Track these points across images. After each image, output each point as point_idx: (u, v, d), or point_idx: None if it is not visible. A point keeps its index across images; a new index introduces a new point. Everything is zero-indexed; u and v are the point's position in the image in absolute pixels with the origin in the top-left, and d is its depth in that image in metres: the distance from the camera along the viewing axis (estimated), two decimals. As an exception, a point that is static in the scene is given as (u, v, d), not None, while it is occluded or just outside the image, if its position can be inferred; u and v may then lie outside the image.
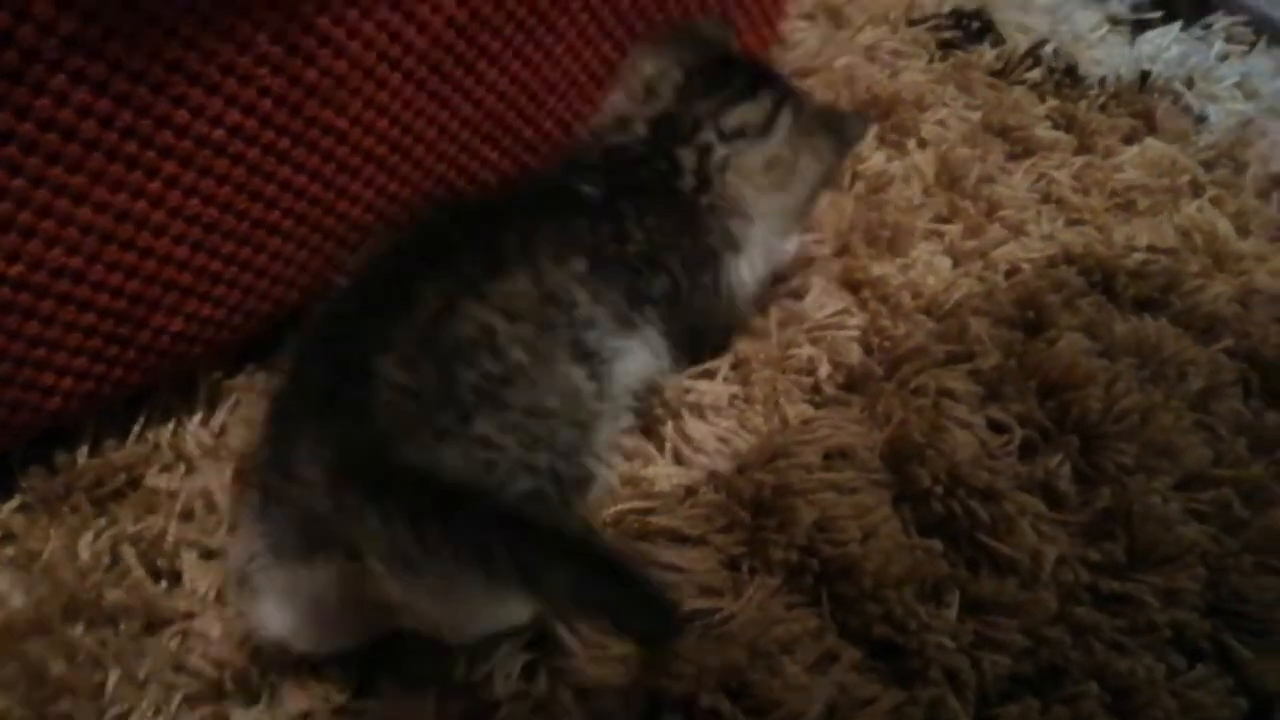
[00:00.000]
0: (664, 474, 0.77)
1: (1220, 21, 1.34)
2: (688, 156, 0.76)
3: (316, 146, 0.67)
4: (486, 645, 0.65)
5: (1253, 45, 1.33)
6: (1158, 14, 1.34)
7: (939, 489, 0.76)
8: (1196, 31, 1.33)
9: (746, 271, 0.80)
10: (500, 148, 0.80)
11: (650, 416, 0.80)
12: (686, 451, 0.79)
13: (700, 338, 0.82)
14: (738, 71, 0.80)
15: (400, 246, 0.69)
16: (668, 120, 0.77)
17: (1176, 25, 1.31)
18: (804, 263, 0.93)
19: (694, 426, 0.80)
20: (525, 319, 0.66)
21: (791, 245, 0.88)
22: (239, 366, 0.79)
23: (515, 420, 0.62)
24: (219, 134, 0.62)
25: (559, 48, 0.78)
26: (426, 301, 0.63)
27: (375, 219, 0.74)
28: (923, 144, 1.09)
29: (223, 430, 0.77)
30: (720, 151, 0.77)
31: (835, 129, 0.81)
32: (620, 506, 0.73)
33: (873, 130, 1.06)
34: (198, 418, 0.77)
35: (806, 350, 0.86)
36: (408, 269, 0.65)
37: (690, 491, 0.76)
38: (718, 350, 0.85)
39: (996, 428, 0.82)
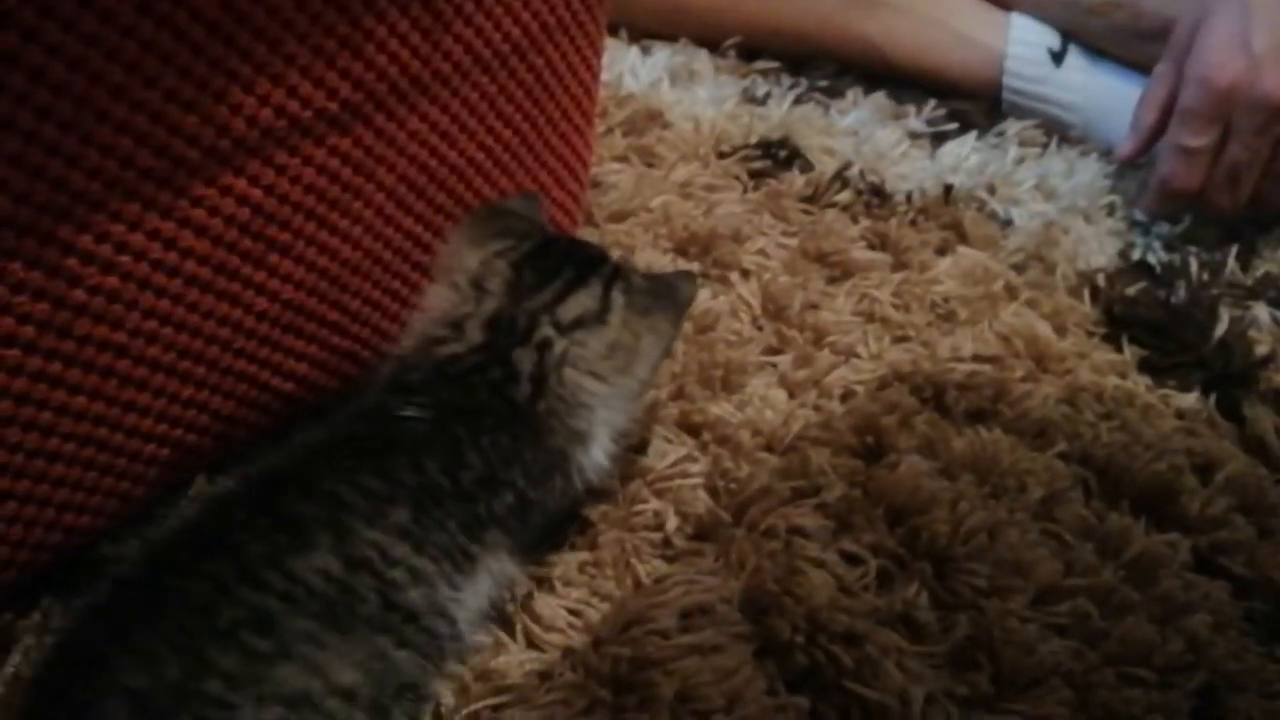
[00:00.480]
0: (516, 661, 0.72)
1: (1012, 128, 1.41)
2: (525, 359, 0.71)
3: (93, 365, 0.62)
4: None
5: (1045, 147, 1.40)
6: (953, 125, 1.41)
7: (800, 638, 0.73)
8: (991, 139, 1.39)
9: (599, 456, 0.76)
10: (304, 335, 0.76)
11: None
12: (537, 631, 0.75)
13: (552, 527, 0.78)
14: (565, 257, 0.76)
15: (180, 532, 0.62)
16: (502, 320, 0.72)
17: (972, 135, 1.38)
18: (641, 412, 0.92)
19: (543, 603, 0.76)
20: (315, 597, 0.59)
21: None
22: (35, 603, 0.72)
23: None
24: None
25: (356, 229, 0.75)
26: (190, 593, 0.57)
27: (171, 428, 0.69)
28: (745, 275, 1.10)
29: (15, 679, 0.69)
30: (559, 346, 0.72)
31: (667, 298, 0.78)
32: (472, 707, 0.68)
33: (698, 284, 1.03)
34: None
35: (652, 504, 0.83)
36: (180, 559, 0.59)
37: (545, 676, 0.72)
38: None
39: (851, 560, 0.81)
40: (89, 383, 0.63)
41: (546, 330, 0.72)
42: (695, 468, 0.87)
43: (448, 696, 0.69)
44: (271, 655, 0.56)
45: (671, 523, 0.82)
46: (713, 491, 0.86)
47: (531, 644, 0.74)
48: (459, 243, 0.76)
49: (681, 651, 0.72)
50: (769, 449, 0.90)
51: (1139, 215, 1.29)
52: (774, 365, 1.00)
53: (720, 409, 0.93)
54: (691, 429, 0.92)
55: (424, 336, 0.73)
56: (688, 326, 1.01)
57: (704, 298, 1.05)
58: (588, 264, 0.76)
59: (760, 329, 1.04)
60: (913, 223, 1.20)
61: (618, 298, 0.74)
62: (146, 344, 0.65)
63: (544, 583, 0.77)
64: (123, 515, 0.72)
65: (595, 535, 0.81)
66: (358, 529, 0.62)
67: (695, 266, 1.09)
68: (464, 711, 0.68)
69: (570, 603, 0.76)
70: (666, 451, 0.89)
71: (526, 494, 0.71)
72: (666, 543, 0.82)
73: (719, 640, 0.74)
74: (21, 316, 0.57)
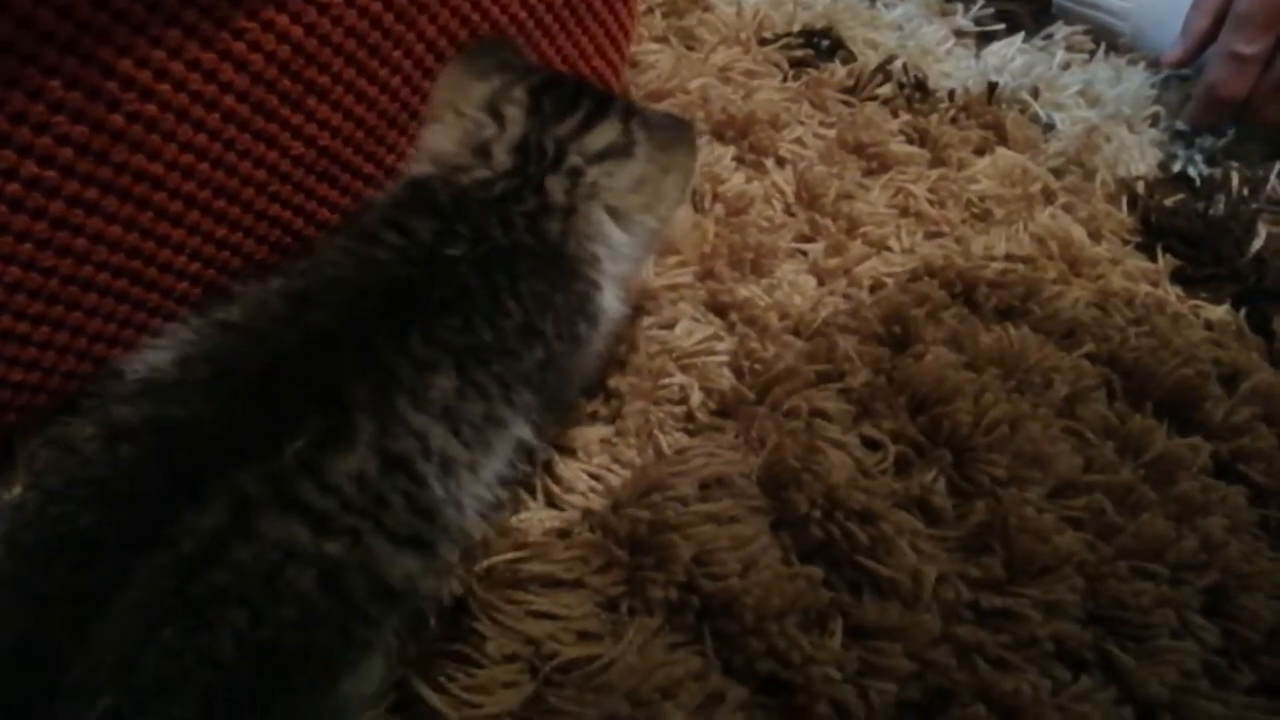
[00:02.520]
0: (536, 519, 0.73)
1: (1060, 31, 1.37)
2: (558, 187, 0.68)
3: (129, 194, 0.62)
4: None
5: (1092, 54, 1.37)
6: (1000, 26, 1.38)
7: (817, 513, 0.74)
8: (1038, 42, 1.36)
9: (614, 300, 0.73)
10: (339, 185, 0.76)
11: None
12: (558, 492, 0.76)
13: (570, 388, 0.76)
14: (578, 89, 0.73)
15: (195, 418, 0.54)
16: (530, 146, 0.69)
17: (1019, 37, 1.35)
18: (670, 290, 0.91)
19: (565, 466, 0.77)
20: (352, 510, 0.54)
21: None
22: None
23: None
24: (13, 188, 0.56)
25: (395, 79, 0.74)
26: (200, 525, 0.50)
27: (204, 267, 0.69)
28: (781, 162, 1.09)
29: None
30: (590, 176, 0.69)
31: (682, 135, 0.75)
32: (492, 559, 0.69)
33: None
34: None
35: (678, 379, 0.83)
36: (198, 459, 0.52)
37: (564, 534, 0.73)
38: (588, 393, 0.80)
39: (870, 445, 0.81)
40: (124, 212, 0.62)
41: (576, 159, 0.69)
42: (721, 346, 0.87)
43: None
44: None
45: (696, 397, 0.83)
46: (737, 371, 0.86)
47: (551, 504, 0.75)
48: (459, 75, 0.72)
49: (699, 518, 0.73)
50: (795, 333, 0.90)
51: (1182, 125, 1.27)
52: (804, 253, 0.99)
53: (749, 291, 0.92)
54: (719, 309, 0.91)
55: (444, 165, 0.69)
56: (719, 208, 1.01)
57: (738, 181, 1.04)
58: (602, 97, 0.74)
59: (793, 216, 1.03)
60: (953, 120, 1.18)
61: (639, 131, 0.72)
62: (183, 178, 0.64)
63: (566, 449, 0.78)
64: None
65: (620, 406, 0.81)
66: (402, 411, 0.57)
67: (731, 150, 1.07)
68: (483, 564, 0.69)
69: (592, 467, 0.77)
70: (693, 330, 0.88)
71: (553, 346, 0.67)
72: (689, 417, 0.82)
73: (736, 511, 0.75)
74: (60, 137, 0.57)
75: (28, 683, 0.48)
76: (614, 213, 0.70)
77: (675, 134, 0.74)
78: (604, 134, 0.71)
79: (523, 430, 0.66)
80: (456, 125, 0.70)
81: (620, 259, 0.72)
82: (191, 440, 0.53)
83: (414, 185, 0.69)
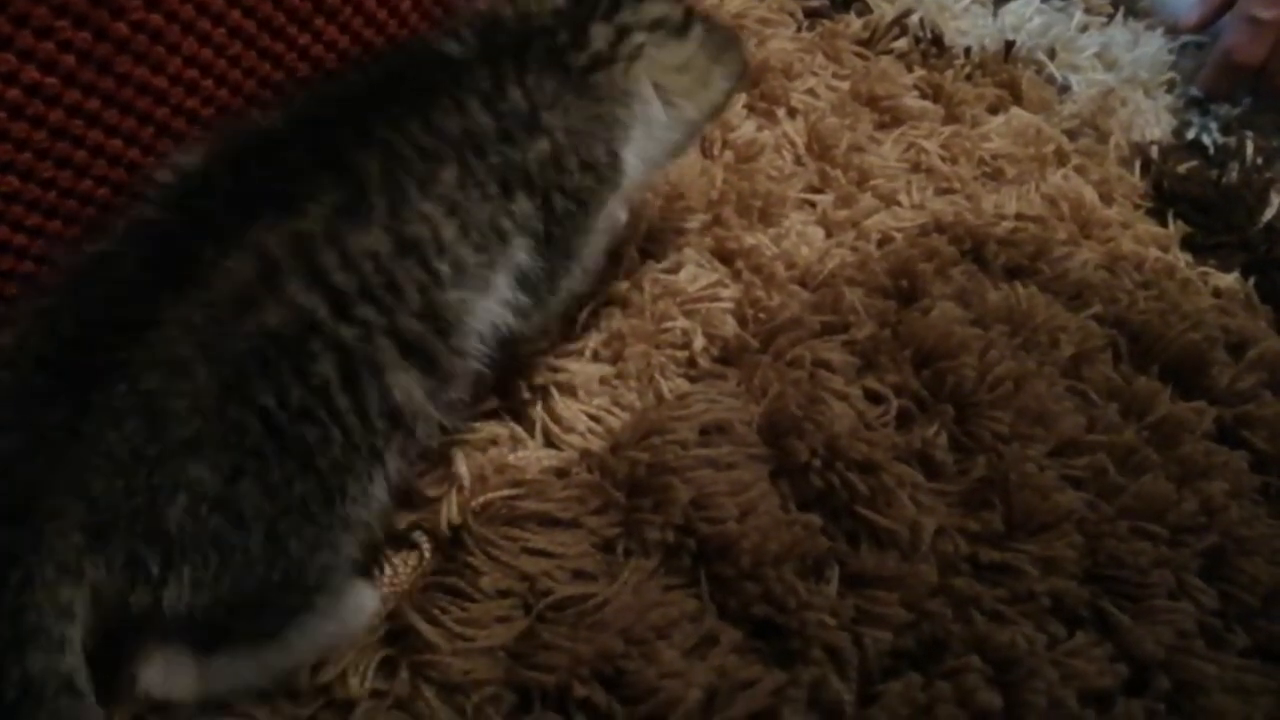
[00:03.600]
0: (534, 457, 0.73)
1: (1079, -7, 1.35)
2: (601, 35, 0.68)
3: (132, 108, 0.60)
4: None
5: (1111, 17, 1.35)
6: (1019, -15, 1.35)
7: (817, 462, 0.73)
8: (1057, 3, 1.34)
9: (634, 162, 0.71)
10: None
11: (518, 399, 0.76)
12: (557, 431, 0.75)
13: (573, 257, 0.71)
14: None
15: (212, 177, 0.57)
16: None
17: (1037, -3, 1.33)
18: (676, 235, 0.90)
19: (564, 406, 0.76)
20: (367, 297, 0.55)
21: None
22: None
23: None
24: (14, 93, 0.55)
25: (404, 4, 0.72)
26: (221, 282, 0.52)
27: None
28: (792, 113, 1.08)
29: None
30: (638, 38, 0.69)
31: (735, 46, 0.76)
32: (489, 495, 0.69)
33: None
34: None
35: (680, 323, 0.82)
36: (210, 220, 0.54)
37: (562, 473, 0.72)
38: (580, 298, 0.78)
39: (873, 398, 0.81)
40: (125, 126, 0.61)
41: (629, 16, 0.69)
42: (726, 293, 0.86)
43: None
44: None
45: (698, 342, 0.82)
46: (741, 319, 0.85)
47: (550, 443, 0.74)
48: None
49: (698, 462, 0.72)
50: (802, 283, 0.89)
51: (1197, 90, 1.26)
52: (813, 203, 0.98)
53: (756, 239, 0.91)
54: (725, 256, 0.90)
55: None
56: (729, 154, 0.99)
57: (749, 129, 1.03)
58: None
59: (803, 166, 1.02)
60: (968, 77, 1.17)
61: (697, 23, 0.73)
62: (186, 94, 0.63)
63: (565, 388, 0.77)
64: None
65: (621, 348, 0.80)
66: (411, 195, 0.58)
67: (743, 98, 1.05)
68: (480, 500, 0.68)
69: (591, 409, 0.76)
70: (698, 275, 0.87)
71: (563, 149, 0.65)
72: (691, 362, 0.81)
73: (735, 458, 0.74)
74: (62, 43, 0.55)
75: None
76: (657, 86, 0.70)
77: (729, 39, 0.75)
78: (661, 7, 0.71)
79: (521, 255, 0.64)
80: None
81: (653, 133, 0.71)
82: (209, 190, 0.56)
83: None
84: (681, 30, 0.71)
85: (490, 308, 0.63)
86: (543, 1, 0.69)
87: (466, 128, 0.61)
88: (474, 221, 0.61)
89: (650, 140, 0.71)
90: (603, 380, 0.79)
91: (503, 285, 0.64)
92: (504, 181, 0.62)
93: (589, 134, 0.66)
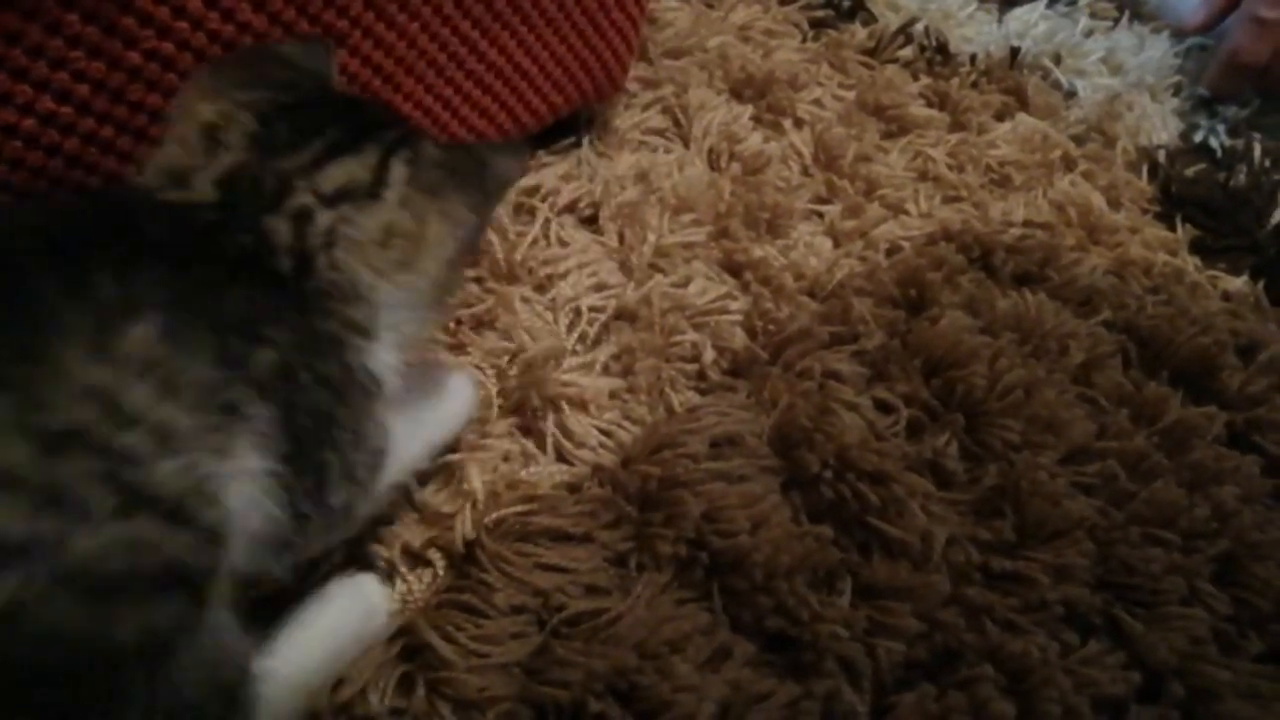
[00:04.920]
0: (546, 473, 0.73)
1: (1084, -2, 1.36)
2: (280, 229, 0.55)
3: (144, 134, 0.61)
4: (356, 660, 0.61)
5: (1116, 21, 1.35)
6: (1024, -8, 1.36)
7: (828, 473, 0.74)
8: (1061, 8, 1.35)
9: (388, 358, 0.59)
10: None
11: (529, 414, 0.76)
12: (568, 447, 0.75)
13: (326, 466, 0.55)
14: (335, 115, 0.60)
15: None
16: (243, 178, 0.55)
17: (1042, 2, 1.33)
18: (683, 248, 0.91)
19: (575, 421, 0.76)
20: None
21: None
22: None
23: None
24: (29, 124, 0.56)
25: (413, 26, 0.73)
26: None
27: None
28: (799, 124, 1.08)
29: None
30: (323, 220, 0.56)
31: (471, 174, 0.62)
32: (502, 511, 0.69)
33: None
34: None
35: (690, 336, 0.83)
36: None
37: (574, 489, 0.73)
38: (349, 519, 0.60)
39: (883, 408, 0.81)
40: (139, 152, 0.62)
41: (304, 198, 0.56)
42: (735, 305, 0.87)
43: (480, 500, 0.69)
44: None
45: (708, 355, 0.82)
46: (750, 331, 0.86)
47: (561, 458, 0.75)
48: (195, 89, 0.59)
49: (710, 476, 0.73)
50: (810, 294, 0.89)
51: (1202, 90, 1.26)
52: (821, 214, 0.99)
53: (764, 251, 0.92)
54: (734, 269, 0.91)
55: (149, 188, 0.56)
56: (736, 167, 1.00)
57: (756, 141, 1.03)
58: (364, 126, 0.60)
59: (810, 177, 1.02)
60: (974, 84, 1.17)
61: (398, 170, 0.59)
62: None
63: (576, 403, 0.77)
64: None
65: (631, 362, 0.81)
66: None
67: (749, 109, 1.06)
68: (493, 516, 0.69)
69: (603, 423, 0.77)
70: (707, 288, 0.88)
71: (292, 361, 0.53)
72: (701, 375, 0.82)
73: (747, 470, 0.74)
74: (76, 74, 0.57)
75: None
76: (364, 267, 0.57)
77: (456, 171, 0.61)
78: (345, 171, 0.57)
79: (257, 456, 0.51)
80: (168, 149, 0.57)
81: (386, 318, 0.58)
82: None
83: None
84: (373, 190, 0.58)
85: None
86: (188, 187, 0.55)
87: (176, 292, 0.50)
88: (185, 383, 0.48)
89: (401, 326, 0.60)
90: (613, 394, 0.79)
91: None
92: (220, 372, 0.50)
93: (320, 354, 0.55)
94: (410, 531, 0.68)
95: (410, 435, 0.64)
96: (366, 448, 0.58)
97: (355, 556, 0.66)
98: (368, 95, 0.72)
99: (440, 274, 0.60)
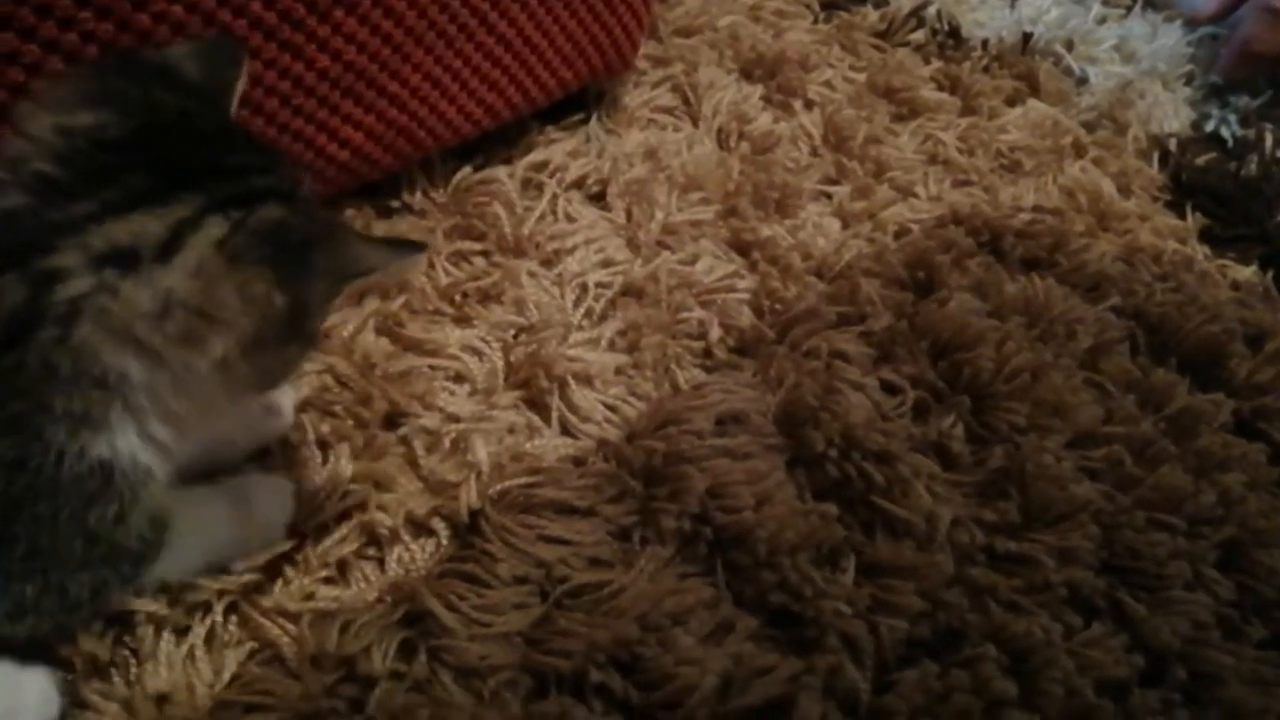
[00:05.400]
0: (551, 446, 0.73)
1: (1097, -15, 1.35)
2: (11, 290, 0.46)
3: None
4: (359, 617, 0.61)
5: (1129, 9, 1.34)
6: (1037, -22, 1.35)
7: (833, 452, 0.74)
8: (1075, -5, 1.34)
9: (141, 443, 0.50)
10: (363, 102, 0.74)
11: (535, 389, 0.76)
12: (574, 421, 0.75)
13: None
14: (164, 153, 0.50)
15: None
16: (11, 224, 0.47)
17: (1055, -12, 1.32)
18: (691, 226, 0.90)
19: (581, 396, 0.76)
20: None
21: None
22: None
23: None
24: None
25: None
26: None
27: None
28: (809, 105, 1.08)
29: None
30: (74, 286, 0.46)
31: (307, 255, 0.51)
32: (506, 483, 0.69)
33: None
34: None
35: (697, 314, 0.83)
36: None
37: (579, 462, 0.73)
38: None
39: (889, 389, 0.81)
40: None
41: (67, 258, 0.46)
42: (743, 283, 0.87)
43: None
44: None
45: (714, 333, 0.82)
46: (757, 310, 0.85)
47: (566, 432, 0.75)
48: (40, 100, 0.51)
49: (715, 452, 0.72)
50: (817, 274, 0.89)
51: (1215, 78, 1.25)
52: (830, 195, 0.98)
53: (772, 230, 0.91)
54: (741, 247, 0.90)
55: None
56: (745, 146, 0.99)
57: (765, 121, 1.03)
58: (197, 172, 0.50)
59: (819, 158, 1.02)
60: (986, 69, 1.17)
61: (210, 231, 0.48)
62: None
63: (582, 378, 0.77)
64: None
65: (637, 338, 0.80)
66: None
67: (759, 89, 1.06)
68: (498, 487, 0.69)
69: (608, 398, 0.77)
70: (714, 266, 0.88)
71: None
72: (707, 353, 0.82)
73: (751, 448, 0.74)
74: (85, 34, 0.56)
75: None
76: (122, 345, 0.47)
77: (279, 248, 0.50)
78: (134, 227, 0.47)
79: None
80: None
81: (134, 402, 0.49)
82: None
83: None
84: (163, 253, 0.47)
85: None
86: None
87: None
88: None
89: (151, 402, 0.50)
90: (619, 370, 0.79)
91: None
92: None
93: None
94: (415, 499, 0.67)
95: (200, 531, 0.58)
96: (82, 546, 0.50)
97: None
98: (251, 133, 0.58)
99: (233, 358, 0.50)
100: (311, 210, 0.53)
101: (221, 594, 0.60)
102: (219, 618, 0.60)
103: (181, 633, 0.59)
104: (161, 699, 0.57)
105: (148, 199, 0.48)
